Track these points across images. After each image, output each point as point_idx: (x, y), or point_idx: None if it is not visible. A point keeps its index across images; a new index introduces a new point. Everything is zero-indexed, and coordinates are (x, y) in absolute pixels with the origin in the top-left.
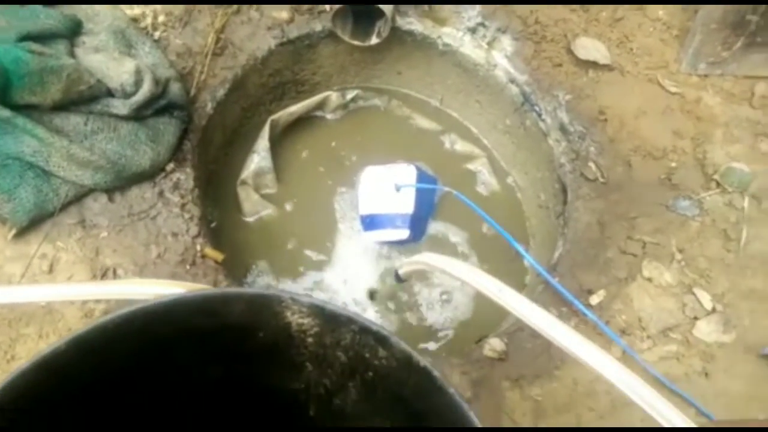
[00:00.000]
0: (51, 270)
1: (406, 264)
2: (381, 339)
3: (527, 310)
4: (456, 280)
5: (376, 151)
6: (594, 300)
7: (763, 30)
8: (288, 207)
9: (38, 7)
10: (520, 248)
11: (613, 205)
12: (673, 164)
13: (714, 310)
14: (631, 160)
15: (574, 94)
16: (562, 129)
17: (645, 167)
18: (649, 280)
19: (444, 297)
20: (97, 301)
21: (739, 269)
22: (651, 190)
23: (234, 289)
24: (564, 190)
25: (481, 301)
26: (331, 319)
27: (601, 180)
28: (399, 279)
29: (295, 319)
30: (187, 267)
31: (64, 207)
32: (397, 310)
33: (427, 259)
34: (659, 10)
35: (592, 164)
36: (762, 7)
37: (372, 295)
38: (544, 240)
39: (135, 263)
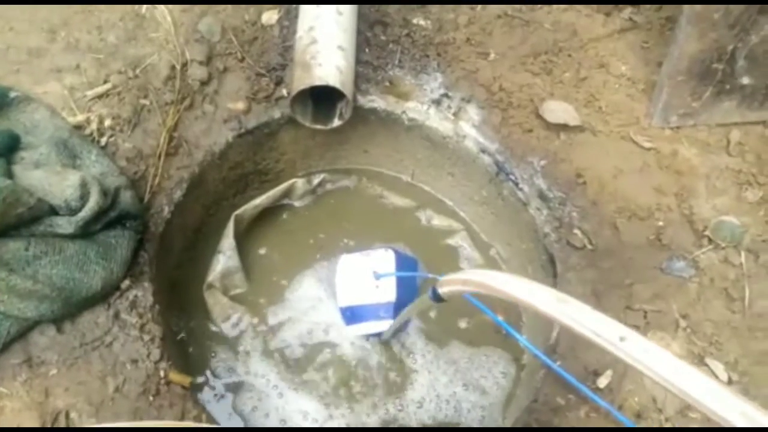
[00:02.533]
0: None
1: (446, 282)
2: None
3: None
4: None
5: (350, 235)
6: (602, 382)
7: (729, 77)
8: (261, 307)
9: None
10: (515, 333)
11: (606, 273)
12: (661, 223)
13: (730, 381)
14: (617, 222)
15: (549, 158)
16: (542, 196)
17: (632, 229)
18: None
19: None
20: None
21: (748, 331)
22: (642, 253)
23: None
24: (552, 261)
25: None
26: None
27: (590, 247)
28: (438, 298)
29: None
30: (151, 398)
31: (7, 345)
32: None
33: (477, 277)
34: (622, 66)
35: (577, 231)
36: (727, 55)
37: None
38: (538, 316)
39: (90, 402)
